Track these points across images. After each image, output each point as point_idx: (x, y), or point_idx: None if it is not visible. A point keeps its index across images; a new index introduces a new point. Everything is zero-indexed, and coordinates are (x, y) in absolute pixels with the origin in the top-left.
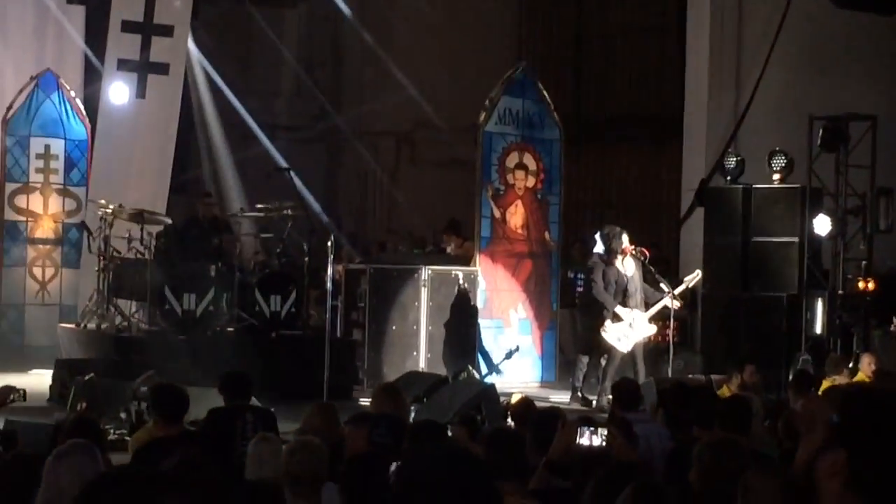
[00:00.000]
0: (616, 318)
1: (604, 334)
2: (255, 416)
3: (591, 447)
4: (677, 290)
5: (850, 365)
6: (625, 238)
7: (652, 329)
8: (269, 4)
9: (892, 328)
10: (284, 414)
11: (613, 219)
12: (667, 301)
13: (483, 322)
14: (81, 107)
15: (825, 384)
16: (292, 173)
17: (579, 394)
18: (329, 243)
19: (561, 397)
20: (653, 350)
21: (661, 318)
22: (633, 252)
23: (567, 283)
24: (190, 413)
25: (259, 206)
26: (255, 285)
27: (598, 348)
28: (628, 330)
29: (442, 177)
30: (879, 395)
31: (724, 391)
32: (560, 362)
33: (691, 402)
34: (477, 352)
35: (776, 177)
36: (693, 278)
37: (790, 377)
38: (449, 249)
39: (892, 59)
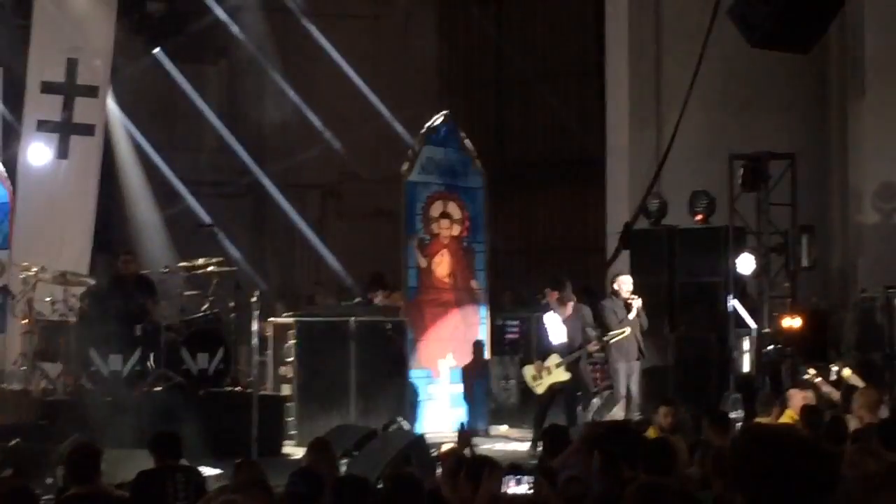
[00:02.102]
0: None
1: (524, 373)
2: (185, 477)
3: (515, 496)
4: (597, 345)
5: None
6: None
7: (565, 375)
8: (190, 61)
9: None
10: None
11: (540, 264)
12: (591, 348)
13: (413, 372)
14: (2, 169)
15: (759, 420)
16: (216, 229)
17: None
18: (254, 298)
19: (492, 444)
20: (582, 396)
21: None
22: (555, 299)
23: (496, 331)
24: (119, 475)
25: (183, 263)
26: (181, 343)
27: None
28: (545, 374)
29: (368, 228)
30: None
31: (651, 433)
32: (492, 409)
33: (621, 443)
34: (406, 403)
35: (699, 217)
36: (619, 334)
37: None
38: (377, 300)
39: (808, 97)
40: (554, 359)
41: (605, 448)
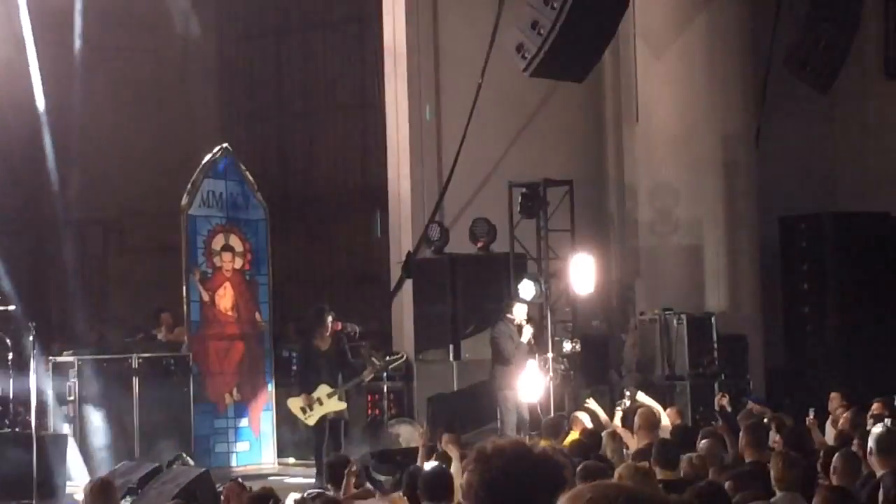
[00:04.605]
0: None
1: (290, 406)
2: None
3: None
4: (371, 374)
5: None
6: (329, 318)
7: (340, 405)
8: None
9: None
10: None
11: (326, 295)
12: (366, 376)
13: (197, 406)
14: None
15: (542, 444)
16: None
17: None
18: (31, 337)
19: (279, 477)
20: (370, 423)
21: (373, 390)
22: (339, 329)
23: (281, 363)
24: None
25: None
26: None
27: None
28: (315, 405)
29: (151, 263)
30: None
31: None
32: (278, 442)
33: (396, 469)
34: (191, 438)
35: (480, 245)
36: (396, 359)
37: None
38: (160, 336)
39: (585, 124)
40: (324, 389)
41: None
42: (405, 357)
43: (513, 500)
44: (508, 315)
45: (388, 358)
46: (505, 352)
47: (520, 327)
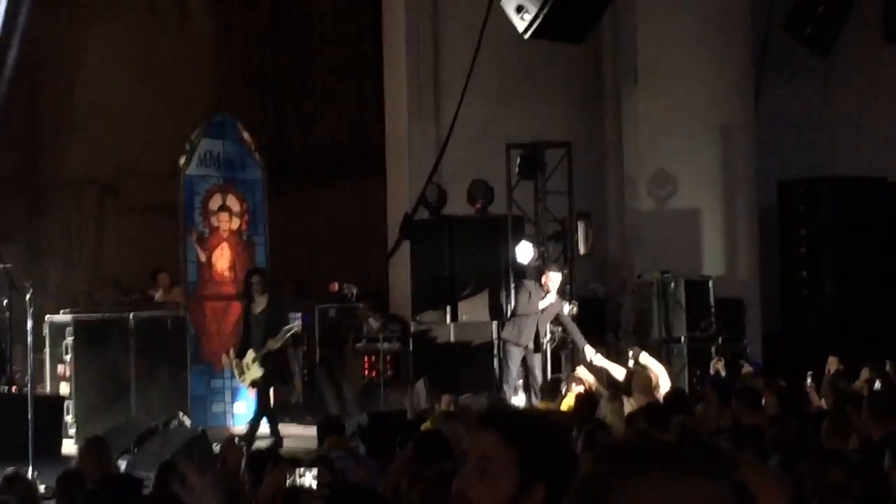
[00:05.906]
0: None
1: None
2: None
3: (300, 487)
4: (277, 343)
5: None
6: (254, 279)
7: (258, 372)
8: None
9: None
10: None
11: (322, 255)
12: (272, 346)
13: (194, 367)
14: None
15: (540, 406)
16: None
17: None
18: (27, 296)
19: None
20: (367, 385)
21: (370, 352)
22: (335, 291)
23: None
24: None
25: None
26: None
27: None
28: (245, 369)
29: (148, 223)
30: None
31: (431, 422)
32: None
33: (390, 431)
34: (187, 398)
35: (477, 206)
36: (289, 329)
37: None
38: (157, 296)
39: (583, 86)
40: (251, 354)
41: (369, 436)
42: (296, 328)
43: None
44: (542, 280)
45: (285, 328)
46: (517, 303)
47: (548, 293)
